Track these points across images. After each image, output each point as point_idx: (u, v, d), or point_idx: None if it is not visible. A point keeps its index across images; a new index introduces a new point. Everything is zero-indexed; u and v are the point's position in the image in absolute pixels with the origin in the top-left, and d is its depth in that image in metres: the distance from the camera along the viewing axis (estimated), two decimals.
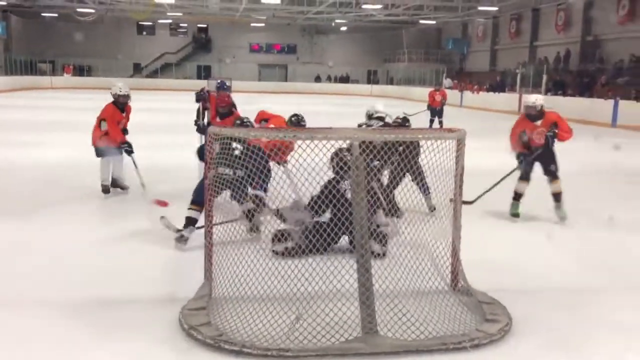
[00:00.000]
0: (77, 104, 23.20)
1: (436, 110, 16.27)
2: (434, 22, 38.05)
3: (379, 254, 4.69)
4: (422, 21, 37.98)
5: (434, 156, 3.91)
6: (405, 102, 32.99)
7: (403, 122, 6.81)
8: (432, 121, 16.14)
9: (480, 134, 12.81)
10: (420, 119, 13.73)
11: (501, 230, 6.16)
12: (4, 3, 34.95)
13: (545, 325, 3.76)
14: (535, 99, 6.37)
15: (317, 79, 45.75)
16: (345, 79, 46.06)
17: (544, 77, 25.03)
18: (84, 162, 9.58)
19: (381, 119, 6.87)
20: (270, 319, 3.54)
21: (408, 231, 4.02)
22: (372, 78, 46.26)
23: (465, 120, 20.54)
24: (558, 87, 24.56)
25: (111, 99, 7.06)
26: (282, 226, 4.87)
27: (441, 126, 14.79)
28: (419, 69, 39.94)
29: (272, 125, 6.75)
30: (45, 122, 16.42)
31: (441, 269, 4.21)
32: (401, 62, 43.47)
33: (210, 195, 4.12)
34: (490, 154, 9.42)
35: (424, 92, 35.39)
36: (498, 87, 29.54)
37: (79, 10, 36.99)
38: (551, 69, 27.15)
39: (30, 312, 3.83)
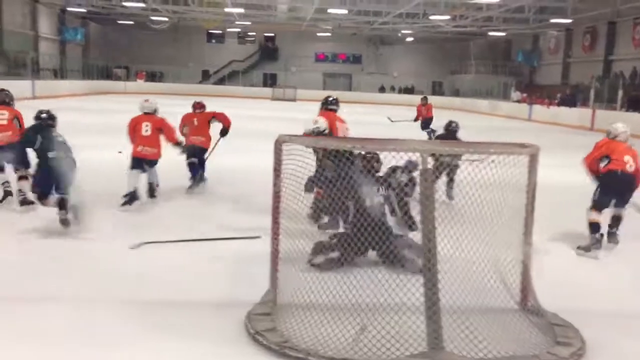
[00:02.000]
0: None
1: (426, 122, 15.77)
2: (503, 33, 37.29)
3: (422, 270, 4.65)
4: (490, 33, 37.31)
5: (505, 171, 3.81)
6: (470, 115, 32.48)
7: None
8: (428, 133, 15.50)
9: (551, 149, 12.43)
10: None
11: (572, 249, 5.93)
12: (83, 10, 36.66)
13: (617, 351, 3.60)
14: (625, 127, 6.05)
15: (382, 90, 45.65)
16: (409, 90, 45.71)
17: (620, 93, 24.05)
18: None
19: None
20: (335, 328, 3.54)
21: (477, 246, 3.94)
22: (437, 89, 45.75)
23: (535, 134, 19.98)
24: (634, 104, 23.53)
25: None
26: (323, 237, 4.85)
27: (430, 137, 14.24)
28: (486, 81, 39.22)
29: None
30: (117, 125, 17.02)
31: (510, 286, 4.09)
32: (468, 73, 42.82)
33: (277, 205, 4.15)
34: (562, 170, 9.14)
35: (489, 105, 34.93)
36: (569, 101, 28.58)
37: (153, 18, 38.42)
38: (627, 84, 26.07)
39: (100, 311, 3.96)
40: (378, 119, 22.19)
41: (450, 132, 8.48)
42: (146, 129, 7.08)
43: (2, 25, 29.90)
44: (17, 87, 26.28)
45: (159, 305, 4.08)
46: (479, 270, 3.96)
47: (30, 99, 26.28)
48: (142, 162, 7.02)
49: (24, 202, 6.42)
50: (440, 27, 35.69)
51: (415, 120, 15.88)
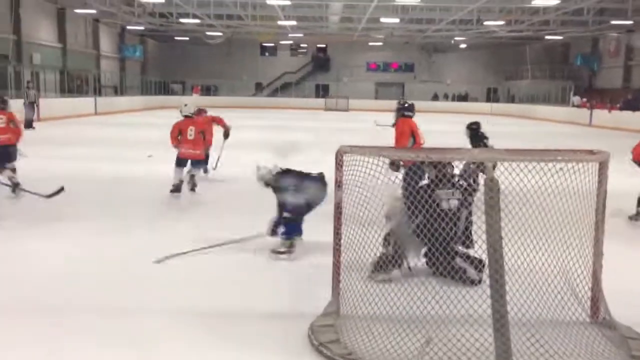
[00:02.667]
0: None
1: None
2: (560, 37, 36.33)
3: (473, 280, 4.58)
4: (547, 37, 36.41)
5: (575, 179, 3.69)
6: (527, 121, 31.76)
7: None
8: None
9: (614, 155, 11.98)
10: None
11: None
12: (142, 28, 37.91)
13: None
14: None
15: (435, 97, 45.17)
16: (463, 97, 45.10)
17: None
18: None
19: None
20: (400, 340, 3.50)
21: (545, 257, 3.82)
22: (492, 96, 44.93)
23: (597, 140, 19.34)
24: None
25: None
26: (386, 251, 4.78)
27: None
28: (543, 86, 38.25)
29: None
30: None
31: (581, 298, 3.95)
32: (524, 79, 41.87)
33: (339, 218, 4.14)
34: (629, 176, 8.77)
35: (548, 110, 34.02)
36: (632, 105, 27.51)
37: (208, 33, 39.35)
38: None
39: (160, 320, 4.03)
40: (431, 127, 21.94)
41: (480, 136, 7.95)
42: (190, 132, 8.21)
43: (66, 46, 31.21)
44: (80, 104, 27.62)
45: (220, 316, 4.12)
46: (548, 281, 3.84)
47: (92, 115, 27.36)
48: (185, 162, 8.25)
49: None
50: (494, 33, 35.07)
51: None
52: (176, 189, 8.14)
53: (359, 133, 18.20)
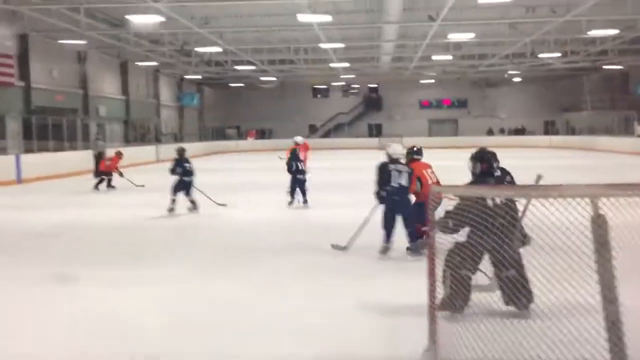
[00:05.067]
0: (257, 165, 24.95)
1: None
2: (619, 66, 35.46)
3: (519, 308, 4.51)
4: (605, 66, 35.60)
5: None
6: (589, 153, 30.83)
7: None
8: None
9: None
10: None
11: None
12: (199, 77, 39.21)
13: None
14: None
15: (490, 132, 44.62)
16: (520, 131, 44.36)
17: None
18: (273, 220, 10.23)
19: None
20: None
21: None
22: (549, 129, 44.03)
23: None
24: None
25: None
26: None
27: None
28: (603, 117, 37.24)
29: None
30: (234, 183, 17.71)
31: None
32: (583, 110, 40.91)
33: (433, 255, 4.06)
34: None
35: (611, 141, 32.98)
36: None
37: (262, 79, 40.34)
38: None
39: None
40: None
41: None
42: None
43: (128, 97, 32.54)
44: (143, 152, 28.55)
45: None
46: None
47: (154, 162, 28.22)
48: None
49: None
50: (549, 65, 34.57)
51: None
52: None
53: None
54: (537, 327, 3.64)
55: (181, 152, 11.47)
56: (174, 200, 10.88)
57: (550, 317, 3.84)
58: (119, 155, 16.43)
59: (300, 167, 11.62)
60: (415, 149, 7.74)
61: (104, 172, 15.84)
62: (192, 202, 11.11)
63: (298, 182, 11.52)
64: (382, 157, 7.37)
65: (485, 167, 5.01)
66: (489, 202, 4.31)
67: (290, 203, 11.60)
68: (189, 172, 11.08)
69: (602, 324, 3.25)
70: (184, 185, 10.99)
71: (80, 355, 4.24)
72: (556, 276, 3.75)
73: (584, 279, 3.58)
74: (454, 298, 4.57)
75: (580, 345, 3.46)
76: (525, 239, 4.68)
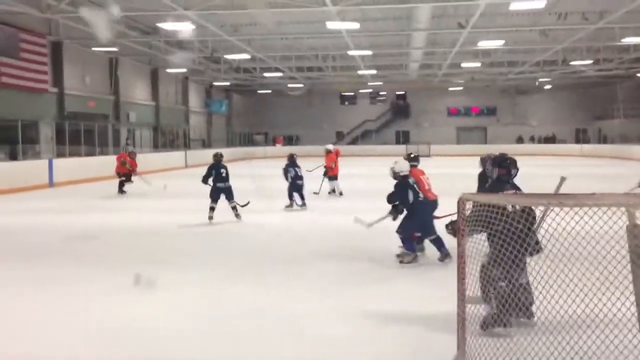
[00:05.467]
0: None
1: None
2: None
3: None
4: (639, 74, 34.93)
5: None
6: (622, 162, 30.19)
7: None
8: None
9: None
10: None
11: None
12: (227, 84, 39.57)
13: None
14: None
15: (519, 140, 44.07)
16: (550, 139, 43.72)
17: None
18: (296, 226, 10.21)
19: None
20: None
21: None
22: (581, 137, 43.29)
23: None
24: None
25: None
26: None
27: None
28: (636, 125, 36.49)
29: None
30: (260, 188, 17.70)
31: None
32: (615, 118, 40.15)
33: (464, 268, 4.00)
34: None
35: None
36: None
37: (290, 86, 40.54)
38: None
39: None
40: (522, 170, 21.25)
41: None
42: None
43: (158, 103, 32.97)
44: (172, 158, 28.88)
45: None
46: None
47: (183, 168, 28.53)
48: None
49: None
50: (581, 72, 34.03)
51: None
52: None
53: (440, 179, 17.88)
54: (569, 338, 3.55)
55: (218, 157, 10.85)
56: (212, 209, 10.53)
57: (584, 329, 3.75)
58: (132, 156, 16.64)
59: (299, 174, 12.45)
60: (412, 155, 8.19)
61: (124, 174, 16.10)
62: (234, 208, 10.63)
63: (296, 187, 12.42)
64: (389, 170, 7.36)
65: (504, 172, 4.98)
66: (509, 208, 4.25)
67: (289, 206, 12.43)
68: (223, 179, 10.57)
69: (638, 336, 3.16)
70: (220, 191, 10.55)
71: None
72: (590, 287, 3.66)
73: (619, 289, 3.50)
74: (503, 313, 4.47)
75: (615, 358, 3.37)
76: (537, 246, 4.57)
